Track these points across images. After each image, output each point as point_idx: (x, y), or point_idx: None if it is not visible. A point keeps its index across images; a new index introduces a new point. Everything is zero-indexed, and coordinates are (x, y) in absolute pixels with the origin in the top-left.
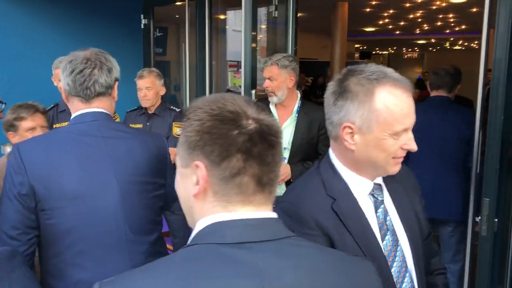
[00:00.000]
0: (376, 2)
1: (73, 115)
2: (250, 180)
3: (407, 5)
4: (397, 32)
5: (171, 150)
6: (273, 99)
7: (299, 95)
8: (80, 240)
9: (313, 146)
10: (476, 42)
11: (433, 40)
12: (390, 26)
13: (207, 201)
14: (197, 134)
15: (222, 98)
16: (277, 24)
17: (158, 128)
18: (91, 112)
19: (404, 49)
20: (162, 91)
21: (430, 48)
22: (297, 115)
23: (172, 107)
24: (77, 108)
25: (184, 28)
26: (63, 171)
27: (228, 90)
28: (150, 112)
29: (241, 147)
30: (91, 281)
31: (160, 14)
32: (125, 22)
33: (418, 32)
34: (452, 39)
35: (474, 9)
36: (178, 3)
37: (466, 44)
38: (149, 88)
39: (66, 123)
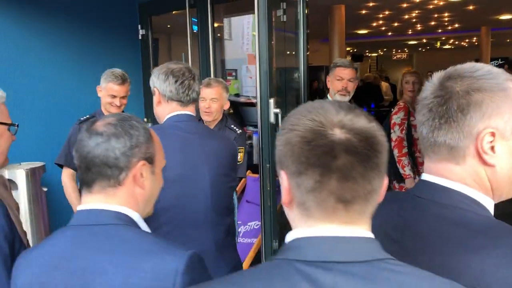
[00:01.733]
0: (373, 4)
1: (168, 115)
2: (328, 197)
3: (404, 5)
4: (389, 34)
5: None
6: (345, 98)
7: None
8: (176, 217)
9: None
10: (467, 40)
11: (424, 40)
12: (383, 28)
13: (294, 212)
14: (281, 144)
15: (311, 105)
16: (286, 29)
17: None
18: (186, 114)
19: (393, 50)
20: (227, 106)
21: (420, 49)
22: None
23: (233, 126)
24: (173, 110)
25: (176, 37)
26: (168, 156)
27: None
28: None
29: (318, 160)
30: None
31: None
32: (122, 32)
33: (410, 33)
34: (444, 38)
35: (471, 7)
36: (174, 12)
37: (456, 42)
38: (214, 99)
39: None
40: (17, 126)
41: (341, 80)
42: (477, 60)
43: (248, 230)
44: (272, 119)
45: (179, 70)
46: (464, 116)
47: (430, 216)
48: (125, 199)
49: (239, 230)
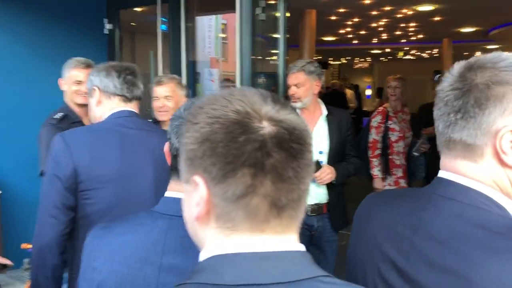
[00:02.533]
0: (344, 10)
1: (110, 112)
2: (261, 202)
3: (374, 13)
4: (355, 42)
5: None
6: (296, 105)
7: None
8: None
9: (343, 147)
10: (428, 51)
11: (387, 50)
12: (350, 36)
13: (210, 226)
14: (195, 142)
15: (230, 94)
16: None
17: None
18: (128, 110)
19: (356, 59)
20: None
21: (381, 58)
22: (326, 118)
23: None
24: (115, 107)
25: (140, 36)
26: (105, 154)
27: None
28: (164, 128)
29: (249, 158)
30: None
31: None
32: (87, 26)
33: (375, 41)
34: (406, 48)
35: (437, 18)
36: (142, 8)
37: (418, 53)
38: (168, 97)
39: None
40: None
41: (289, 87)
42: (437, 72)
43: None
44: None
45: (120, 66)
46: (482, 112)
47: (446, 215)
48: None
49: None
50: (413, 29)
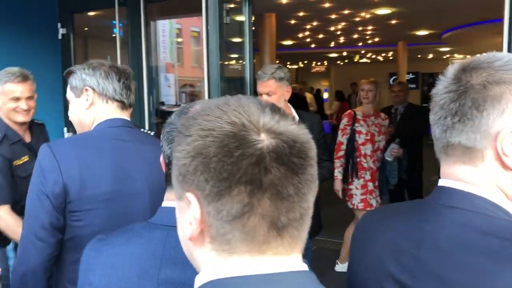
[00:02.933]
0: (303, 14)
1: (102, 120)
2: (259, 222)
3: (333, 16)
4: (313, 46)
5: None
6: None
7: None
8: None
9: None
10: (383, 54)
11: (344, 53)
12: (308, 40)
13: (205, 248)
14: (187, 156)
15: (225, 103)
16: (229, 33)
17: None
18: (122, 118)
19: (313, 63)
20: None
21: (338, 62)
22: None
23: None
24: (111, 114)
25: (94, 41)
26: (97, 171)
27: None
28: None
29: (245, 175)
30: None
31: None
32: (40, 31)
33: (332, 45)
34: (363, 51)
35: (394, 21)
36: (96, 13)
37: (373, 56)
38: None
39: (26, 157)
40: None
41: (260, 96)
42: (393, 74)
43: None
44: None
45: (117, 68)
46: (480, 113)
47: (450, 225)
48: None
49: None
50: (370, 32)
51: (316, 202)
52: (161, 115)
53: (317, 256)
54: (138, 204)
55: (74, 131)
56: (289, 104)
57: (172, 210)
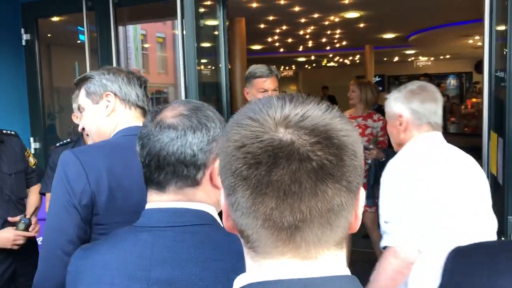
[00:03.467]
0: (273, 18)
1: (123, 127)
2: (266, 223)
3: (302, 20)
4: (281, 50)
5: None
6: None
7: None
8: None
9: None
10: (350, 58)
11: (312, 57)
12: (277, 44)
13: (244, 246)
14: (218, 153)
15: (257, 101)
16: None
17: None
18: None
19: (282, 67)
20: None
21: (306, 66)
22: None
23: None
24: (133, 121)
25: (58, 47)
26: (125, 182)
27: None
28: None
29: (247, 172)
30: None
31: None
32: (3, 37)
33: (301, 49)
34: (331, 55)
35: (361, 25)
36: (60, 18)
37: (341, 60)
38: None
39: None
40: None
41: (265, 92)
42: (361, 77)
43: None
44: None
45: (133, 72)
46: None
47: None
48: (205, 200)
49: None
50: (338, 36)
51: None
52: None
53: None
54: None
55: (41, 142)
56: None
57: (156, 211)
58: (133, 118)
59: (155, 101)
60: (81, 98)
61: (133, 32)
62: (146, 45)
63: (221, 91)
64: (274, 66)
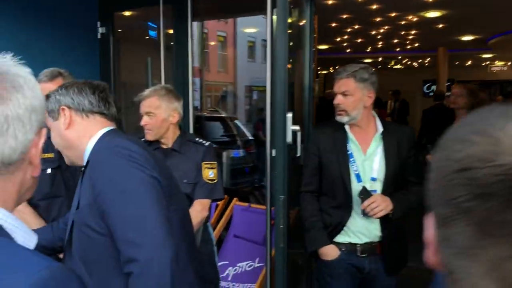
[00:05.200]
0: (346, 16)
1: (98, 132)
2: (488, 272)
3: (378, 19)
4: (348, 51)
5: (200, 202)
6: (343, 119)
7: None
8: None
9: (403, 173)
10: (419, 60)
11: (380, 59)
12: (345, 44)
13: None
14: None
15: (485, 115)
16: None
17: (179, 170)
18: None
19: None
20: (174, 118)
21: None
22: (381, 137)
23: (198, 139)
24: (100, 126)
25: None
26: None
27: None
28: (165, 147)
29: (470, 204)
30: None
31: None
32: (78, 29)
33: (368, 50)
34: (399, 57)
35: (440, 25)
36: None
37: (409, 63)
38: (149, 114)
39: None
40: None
41: (335, 95)
42: (427, 82)
43: (239, 272)
44: (289, 138)
45: (87, 82)
46: None
47: None
48: None
49: (226, 272)
50: (411, 37)
51: (400, 233)
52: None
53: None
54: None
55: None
56: (373, 113)
57: None
58: (93, 126)
59: (213, 99)
60: (46, 118)
61: (196, 30)
62: (212, 43)
63: (304, 93)
64: (360, 66)
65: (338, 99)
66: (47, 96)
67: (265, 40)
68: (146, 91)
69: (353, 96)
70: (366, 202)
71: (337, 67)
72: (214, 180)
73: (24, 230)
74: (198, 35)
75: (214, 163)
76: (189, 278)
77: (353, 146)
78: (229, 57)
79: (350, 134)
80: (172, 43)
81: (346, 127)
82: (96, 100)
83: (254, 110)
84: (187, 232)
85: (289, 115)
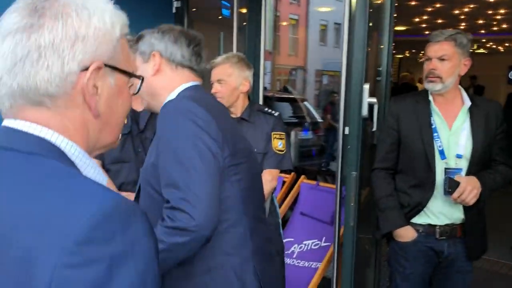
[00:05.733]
0: None
1: (183, 85)
2: None
3: None
4: (426, 33)
5: (270, 172)
6: (436, 86)
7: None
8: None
9: (490, 150)
10: (506, 44)
11: None
12: (424, 25)
13: None
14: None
15: None
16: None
17: (248, 139)
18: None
19: (422, 52)
20: (245, 87)
21: None
22: (469, 110)
23: (267, 109)
24: (185, 80)
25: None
26: (227, 126)
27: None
28: (233, 116)
29: None
30: None
31: None
32: (154, 3)
33: None
34: (483, 40)
35: None
36: None
37: (494, 46)
38: (220, 81)
39: None
40: (142, 79)
41: (429, 60)
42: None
43: (304, 250)
44: (365, 111)
45: (184, 32)
46: None
47: None
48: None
49: (291, 249)
50: (500, 17)
51: (481, 216)
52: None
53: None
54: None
55: None
56: (459, 86)
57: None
58: (179, 79)
59: (282, 82)
60: (136, 56)
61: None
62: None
63: (382, 73)
64: (457, 31)
65: (433, 64)
66: (141, 36)
67: (337, 24)
68: (219, 58)
69: (451, 62)
70: (455, 194)
71: (413, 50)
72: (283, 151)
73: (96, 170)
74: (269, 17)
75: (283, 134)
76: (246, 253)
77: (437, 120)
78: (300, 40)
79: (435, 107)
80: (245, 24)
81: (430, 98)
82: (189, 54)
83: (324, 94)
84: (255, 200)
85: (366, 86)
